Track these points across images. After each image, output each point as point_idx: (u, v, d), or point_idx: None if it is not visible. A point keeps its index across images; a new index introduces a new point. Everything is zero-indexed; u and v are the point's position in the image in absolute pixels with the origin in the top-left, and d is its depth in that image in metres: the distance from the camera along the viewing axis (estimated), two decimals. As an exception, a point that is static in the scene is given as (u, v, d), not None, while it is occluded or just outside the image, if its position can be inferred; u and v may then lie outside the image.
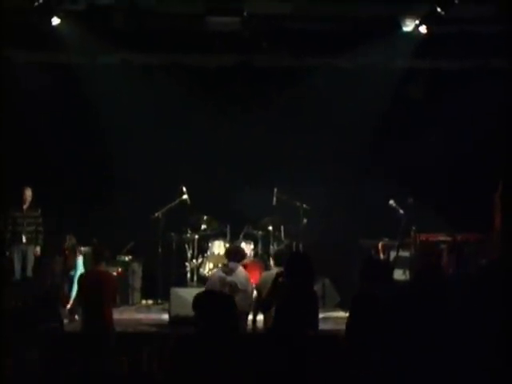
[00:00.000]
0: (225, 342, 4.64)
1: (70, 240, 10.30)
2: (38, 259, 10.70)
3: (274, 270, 8.49)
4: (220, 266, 9.18)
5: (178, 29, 10.53)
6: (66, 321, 8.56)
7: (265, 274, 8.85)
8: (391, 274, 8.48)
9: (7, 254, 10.84)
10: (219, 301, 4.85)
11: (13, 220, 10.80)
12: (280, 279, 7.00)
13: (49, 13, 9.78)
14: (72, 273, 9.89)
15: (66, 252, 10.11)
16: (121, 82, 11.27)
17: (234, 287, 8.32)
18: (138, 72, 11.41)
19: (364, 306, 6.36)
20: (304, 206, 10.99)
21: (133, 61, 11.32)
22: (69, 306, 9.50)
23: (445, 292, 7.03)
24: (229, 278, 8.31)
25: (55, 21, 9.96)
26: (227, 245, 10.66)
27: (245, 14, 9.89)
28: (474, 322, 6.77)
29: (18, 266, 10.76)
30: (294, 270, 6.84)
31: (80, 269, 9.86)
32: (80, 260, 10.10)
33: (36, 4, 9.35)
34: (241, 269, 8.70)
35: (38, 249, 10.83)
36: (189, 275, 10.96)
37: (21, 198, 10.83)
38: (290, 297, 6.69)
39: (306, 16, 10.24)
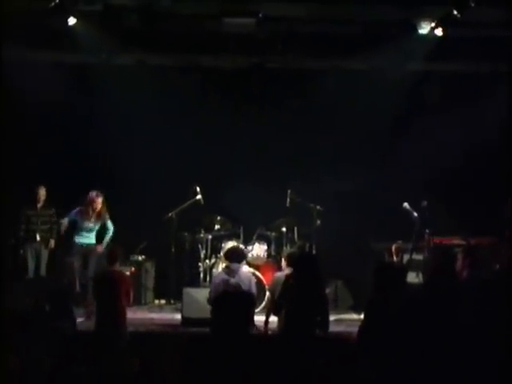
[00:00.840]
0: (238, 343, 4.65)
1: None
2: (52, 253, 10.74)
3: (286, 272, 8.52)
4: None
5: (193, 30, 10.54)
6: (82, 319, 8.57)
7: (277, 275, 8.85)
8: (405, 277, 8.47)
9: (21, 252, 10.89)
10: (236, 302, 4.86)
11: (26, 218, 10.83)
12: (290, 281, 7.00)
13: (65, 13, 9.82)
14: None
15: None
16: (135, 82, 11.31)
17: (237, 289, 8.33)
18: (153, 72, 11.43)
19: (377, 310, 6.35)
20: (318, 207, 10.98)
21: (147, 61, 11.34)
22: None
23: (458, 296, 7.01)
24: (232, 280, 8.32)
25: (71, 21, 9.99)
26: (241, 245, 10.66)
27: (260, 15, 9.88)
28: (487, 326, 6.75)
29: (31, 265, 10.80)
30: (301, 271, 6.85)
31: None
32: None
33: (52, 4, 9.39)
34: (243, 269, 8.71)
35: (53, 242, 10.86)
36: (202, 275, 10.98)
37: (35, 197, 10.88)
38: (299, 298, 6.69)
39: (321, 19, 10.22)
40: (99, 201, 10.31)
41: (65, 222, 10.38)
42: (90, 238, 10.33)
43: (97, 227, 10.39)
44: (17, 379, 7.25)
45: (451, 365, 6.61)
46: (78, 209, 10.36)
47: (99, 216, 10.36)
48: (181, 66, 11.45)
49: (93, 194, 10.32)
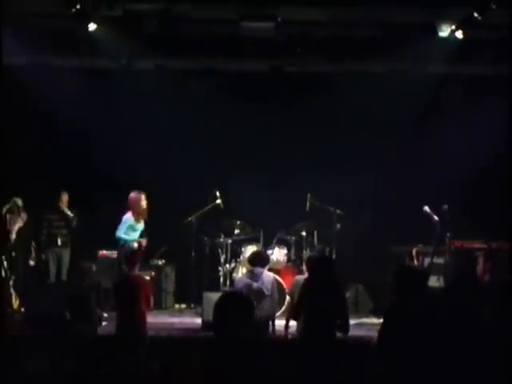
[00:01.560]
0: (243, 347, 4.63)
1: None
2: (72, 262, 10.79)
3: (306, 275, 8.51)
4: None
5: (212, 34, 10.57)
6: (105, 323, 8.61)
7: (297, 278, 8.84)
8: (426, 281, 8.43)
9: (43, 256, 10.96)
10: (236, 305, 4.83)
11: (48, 223, 10.92)
12: (307, 285, 6.99)
13: (86, 18, 9.89)
14: None
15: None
16: (155, 86, 11.36)
17: (260, 293, 8.33)
18: (172, 77, 11.48)
19: (397, 314, 6.32)
20: (337, 211, 10.95)
21: (167, 66, 11.38)
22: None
23: (480, 300, 6.97)
24: (255, 285, 8.33)
25: (92, 26, 10.06)
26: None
27: (279, 19, 9.88)
28: (508, 330, 6.70)
29: (53, 269, 10.88)
30: (317, 274, 6.84)
31: None
32: None
33: (73, 10, 9.46)
34: (266, 273, 8.71)
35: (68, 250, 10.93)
36: (221, 280, 10.99)
37: (57, 202, 10.95)
38: (317, 302, 6.68)
39: (339, 22, 10.20)
40: (143, 198, 10.20)
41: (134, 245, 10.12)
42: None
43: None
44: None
45: (472, 369, 6.56)
46: (128, 214, 10.18)
47: (145, 215, 10.30)
48: (200, 70, 11.46)
49: (137, 194, 10.17)
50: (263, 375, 4.59)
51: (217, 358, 4.62)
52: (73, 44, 10.68)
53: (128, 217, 10.11)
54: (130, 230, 10.12)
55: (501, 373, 6.49)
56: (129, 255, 7.94)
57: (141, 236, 10.22)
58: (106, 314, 9.07)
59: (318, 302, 6.66)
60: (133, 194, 10.17)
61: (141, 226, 10.22)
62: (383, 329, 6.38)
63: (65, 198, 10.98)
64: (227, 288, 10.54)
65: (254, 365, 4.60)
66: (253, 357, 4.59)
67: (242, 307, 4.70)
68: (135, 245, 9.96)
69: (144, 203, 10.16)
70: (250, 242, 11.14)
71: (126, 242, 9.99)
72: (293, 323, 7.83)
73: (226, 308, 4.73)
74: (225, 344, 4.63)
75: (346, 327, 6.79)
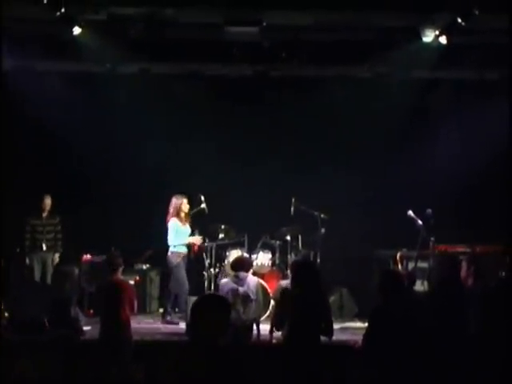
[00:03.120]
0: (215, 352, 4.59)
1: None
2: (56, 266, 10.76)
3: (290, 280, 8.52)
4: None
5: (197, 38, 10.56)
6: (88, 328, 8.57)
7: (281, 283, 8.87)
8: (412, 285, 8.46)
9: (27, 261, 10.91)
10: (212, 308, 4.79)
11: (32, 228, 10.89)
12: (287, 293, 6.98)
13: (70, 22, 9.86)
14: None
15: None
16: (139, 91, 11.35)
17: (246, 298, 8.33)
18: (157, 81, 11.47)
19: (382, 317, 6.34)
20: (322, 215, 10.97)
21: (151, 70, 11.36)
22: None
23: (463, 304, 7.00)
24: (241, 289, 8.33)
25: (76, 30, 10.03)
26: (245, 254, 10.67)
27: (264, 24, 9.90)
28: (491, 334, 6.73)
29: (37, 274, 10.85)
30: (301, 279, 6.84)
31: None
32: None
33: (57, 14, 9.43)
34: (251, 277, 8.72)
35: (57, 256, 10.93)
36: (206, 284, 10.95)
37: (40, 206, 10.92)
38: (301, 306, 6.68)
39: (325, 26, 10.22)
40: (185, 202, 10.32)
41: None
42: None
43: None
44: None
45: (456, 372, 6.60)
46: (172, 219, 10.30)
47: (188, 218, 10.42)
48: (185, 74, 11.46)
49: (179, 199, 10.31)
50: (247, 380, 4.57)
51: (191, 362, 4.58)
52: (57, 48, 10.63)
53: (173, 222, 10.30)
54: (179, 234, 10.30)
55: (485, 375, 6.53)
56: (112, 259, 7.88)
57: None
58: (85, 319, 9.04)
59: (303, 306, 6.66)
60: (175, 199, 10.33)
61: (186, 228, 10.39)
62: (368, 332, 6.40)
63: (48, 201, 10.95)
64: (212, 292, 10.51)
65: (232, 370, 4.56)
66: (230, 362, 4.56)
67: (218, 310, 4.66)
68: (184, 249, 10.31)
69: (186, 206, 10.33)
70: (234, 246, 11.13)
71: (178, 246, 10.28)
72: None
73: (201, 311, 4.68)
74: (198, 348, 4.59)
75: (329, 331, 6.80)
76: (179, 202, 10.30)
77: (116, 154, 11.82)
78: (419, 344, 6.28)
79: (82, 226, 11.64)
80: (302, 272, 6.92)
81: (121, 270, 7.78)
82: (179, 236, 10.31)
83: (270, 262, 11.03)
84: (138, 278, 11.19)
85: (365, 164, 11.80)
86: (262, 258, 10.99)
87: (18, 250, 10.96)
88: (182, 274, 10.29)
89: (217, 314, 4.60)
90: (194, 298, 9.33)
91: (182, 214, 10.35)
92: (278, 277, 10.81)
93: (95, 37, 10.23)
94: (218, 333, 4.58)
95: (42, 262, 10.91)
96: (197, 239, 10.47)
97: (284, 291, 7.05)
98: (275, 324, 7.07)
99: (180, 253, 10.35)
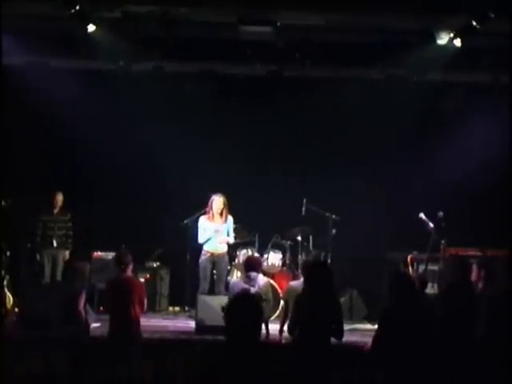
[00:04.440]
0: (252, 351, 4.59)
1: None
2: (66, 263, 10.79)
3: (301, 281, 8.52)
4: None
5: (211, 37, 10.56)
6: (98, 325, 8.58)
7: (291, 284, 8.86)
8: (424, 288, 8.43)
9: (38, 257, 10.95)
10: (248, 308, 4.78)
11: (43, 224, 10.92)
12: (302, 296, 6.98)
13: (84, 20, 9.88)
14: None
15: None
16: (152, 89, 11.36)
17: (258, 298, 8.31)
18: (169, 80, 11.47)
19: (393, 320, 6.33)
20: (333, 216, 10.97)
21: (164, 68, 11.37)
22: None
23: (473, 307, 6.98)
24: (252, 290, 8.33)
25: (90, 28, 10.06)
26: (256, 254, 10.67)
27: (278, 24, 9.89)
28: (501, 338, 6.71)
29: (47, 270, 10.88)
30: (315, 280, 6.83)
31: None
32: None
33: (73, 11, 9.45)
34: (261, 277, 8.72)
35: (67, 253, 10.96)
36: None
37: (51, 203, 10.95)
38: (313, 307, 6.67)
39: (339, 27, 10.20)
40: (216, 200, 10.25)
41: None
42: (218, 243, 10.27)
43: (224, 230, 10.32)
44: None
45: (466, 375, 6.57)
46: (201, 217, 10.31)
47: (224, 218, 10.30)
48: (198, 73, 11.46)
49: (211, 197, 10.28)
50: (259, 378, 4.57)
51: (229, 363, 4.56)
52: (71, 45, 10.66)
53: (200, 220, 10.30)
54: (205, 232, 10.22)
55: (494, 379, 6.51)
56: (122, 256, 7.89)
57: (228, 235, 10.35)
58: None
59: (315, 307, 6.65)
60: (210, 197, 10.29)
61: (216, 224, 10.22)
62: (378, 334, 6.38)
63: (59, 198, 10.99)
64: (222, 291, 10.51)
65: (250, 368, 4.56)
66: (249, 360, 4.56)
67: (252, 309, 4.65)
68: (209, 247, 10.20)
69: (215, 204, 10.22)
70: (244, 246, 11.14)
71: (205, 244, 10.25)
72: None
73: (236, 311, 4.67)
74: (236, 349, 4.58)
75: (340, 334, 6.80)
76: (210, 199, 10.24)
77: (128, 152, 11.83)
78: (428, 347, 6.26)
79: (92, 224, 11.69)
80: (317, 273, 6.91)
81: (131, 267, 7.80)
82: (205, 234, 10.23)
83: (280, 263, 11.04)
84: (148, 275, 11.21)
85: (377, 165, 11.77)
86: (273, 258, 11.00)
87: (28, 245, 11.00)
88: (201, 273, 10.19)
89: (251, 314, 4.60)
90: (204, 297, 9.41)
91: (213, 211, 10.22)
92: (288, 277, 10.81)
93: (109, 34, 10.25)
94: (254, 332, 4.59)
95: (53, 259, 10.94)
96: (224, 239, 10.29)
97: (298, 297, 7.02)
98: (289, 329, 7.05)
99: (206, 251, 10.23)
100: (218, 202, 10.21)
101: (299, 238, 11.26)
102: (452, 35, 10.08)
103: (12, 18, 9.38)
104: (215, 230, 10.20)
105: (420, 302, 7.01)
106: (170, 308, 11.55)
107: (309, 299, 6.75)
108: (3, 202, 9.91)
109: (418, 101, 11.29)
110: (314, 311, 6.65)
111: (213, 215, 10.24)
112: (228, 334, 4.62)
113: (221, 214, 10.24)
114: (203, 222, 10.26)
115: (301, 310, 6.78)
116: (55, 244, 10.89)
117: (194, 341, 8.64)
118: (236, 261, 10.95)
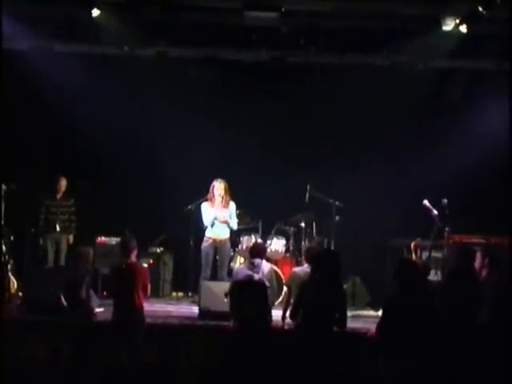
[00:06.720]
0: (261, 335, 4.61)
1: None
2: (70, 248, 10.80)
3: (304, 267, 8.52)
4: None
5: (215, 23, 10.52)
6: (101, 310, 8.59)
7: (294, 270, 8.86)
8: (427, 275, 8.44)
9: (41, 242, 10.96)
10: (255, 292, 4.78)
11: (46, 209, 10.92)
12: (306, 283, 6.98)
13: (89, 4, 9.85)
14: None
15: None
16: (155, 74, 11.33)
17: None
18: (173, 65, 11.44)
19: (397, 306, 6.33)
20: (337, 203, 10.94)
21: (168, 53, 11.33)
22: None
23: (476, 294, 6.98)
24: (256, 276, 8.32)
25: (95, 12, 10.02)
26: (259, 240, 10.66)
27: (283, 9, 9.84)
28: (504, 326, 6.72)
29: (51, 255, 10.90)
30: (324, 267, 6.83)
31: None
32: None
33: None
34: (265, 264, 8.71)
35: (71, 237, 10.97)
36: (219, 269, 10.96)
37: (55, 188, 10.95)
38: (318, 294, 6.68)
39: (344, 14, 10.15)
40: (216, 186, 10.15)
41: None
42: (220, 229, 10.20)
43: (227, 215, 10.19)
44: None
45: (468, 362, 6.59)
46: (204, 203, 10.21)
47: (226, 203, 10.19)
48: (202, 58, 11.42)
49: (212, 182, 10.16)
50: (262, 363, 4.59)
51: (238, 347, 4.58)
52: (75, 29, 10.62)
53: (202, 206, 10.23)
54: (206, 216, 10.12)
55: (499, 369, 6.52)
56: (126, 242, 7.87)
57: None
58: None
59: (319, 295, 6.66)
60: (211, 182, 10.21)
61: (217, 211, 10.09)
62: (382, 321, 6.39)
63: (63, 183, 10.99)
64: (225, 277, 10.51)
65: (254, 353, 4.59)
66: (254, 345, 4.58)
67: (259, 295, 4.66)
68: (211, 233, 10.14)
69: (216, 190, 10.11)
70: (248, 232, 11.13)
71: (207, 230, 10.17)
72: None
73: (242, 296, 4.67)
74: (244, 334, 4.60)
75: (343, 322, 6.81)
76: (211, 185, 10.15)
77: (131, 137, 11.81)
78: (432, 334, 6.27)
79: (96, 209, 11.69)
80: (327, 259, 6.91)
81: (135, 252, 7.78)
82: (206, 219, 10.15)
83: (283, 249, 11.03)
84: (151, 261, 11.22)
85: (380, 152, 11.73)
86: (276, 245, 10.99)
87: (32, 230, 11.00)
88: (204, 259, 10.14)
89: (258, 299, 4.61)
90: (207, 283, 9.41)
91: (215, 197, 10.11)
92: (292, 263, 10.81)
93: (113, 19, 10.23)
94: (261, 318, 4.61)
95: (56, 243, 10.95)
96: (223, 218, 10.13)
97: (303, 284, 7.02)
98: (291, 314, 7.06)
99: (208, 238, 10.16)
100: (218, 187, 10.13)
101: (303, 225, 11.25)
102: (458, 21, 10.03)
103: (16, 2, 9.34)
104: (217, 216, 10.18)
105: (424, 288, 7.02)
106: (174, 293, 11.57)
107: (314, 285, 6.75)
108: (7, 187, 9.89)
109: (423, 87, 11.27)
110: (319, 297, 6.65)
111: (214, 201, 10.20)
112: (235, 319, 4.63)
113: (222, 199, 10.19)
114: (204, 208, 10.21)
115: (304, 296, 6.79)
116: (58, 228, 10.89)
117: (197, 326, 8.66)
118: (239, 247, 10.95)
